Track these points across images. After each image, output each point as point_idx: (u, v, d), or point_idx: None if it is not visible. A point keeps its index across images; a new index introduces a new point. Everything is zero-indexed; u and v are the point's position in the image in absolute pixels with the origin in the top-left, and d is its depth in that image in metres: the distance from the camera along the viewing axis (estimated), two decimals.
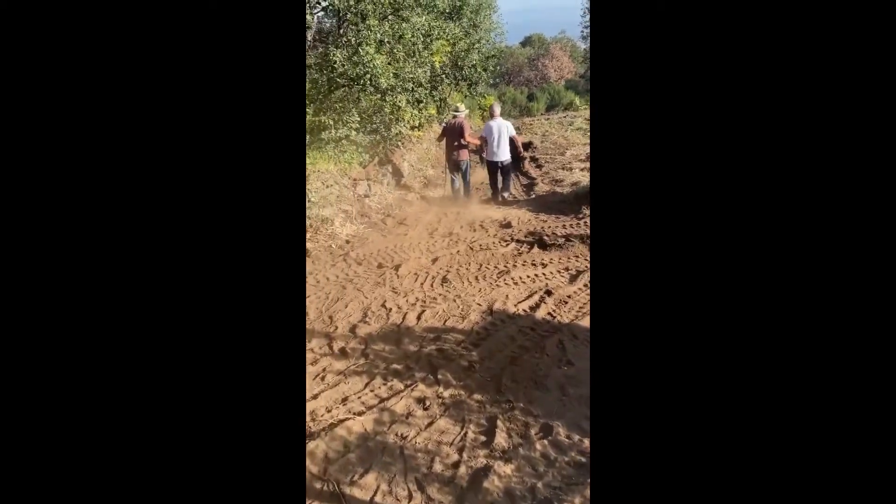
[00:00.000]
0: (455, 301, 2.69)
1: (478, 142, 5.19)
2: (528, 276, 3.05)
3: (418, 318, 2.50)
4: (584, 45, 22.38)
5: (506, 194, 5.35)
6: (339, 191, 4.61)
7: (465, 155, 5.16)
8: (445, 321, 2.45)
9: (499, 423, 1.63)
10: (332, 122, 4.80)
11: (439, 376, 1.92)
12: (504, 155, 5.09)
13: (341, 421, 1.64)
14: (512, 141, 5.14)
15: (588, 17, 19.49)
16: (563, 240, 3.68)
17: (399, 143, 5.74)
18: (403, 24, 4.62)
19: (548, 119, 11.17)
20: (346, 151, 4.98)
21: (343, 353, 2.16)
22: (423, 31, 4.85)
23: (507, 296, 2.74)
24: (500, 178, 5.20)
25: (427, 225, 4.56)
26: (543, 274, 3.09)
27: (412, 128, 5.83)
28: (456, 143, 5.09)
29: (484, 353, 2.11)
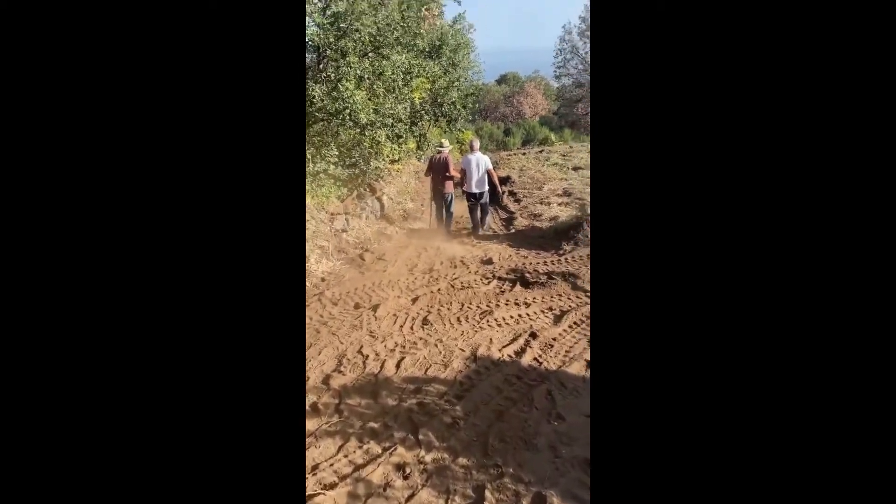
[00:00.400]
0: (436, 346, 2.55)
1: (459, 174, 5.33)
2: (512, 317, 2.95)
3: (397, 366, 2.34)
4: (556, 84, 23.48)
5: (484, 227, 5.41)
6: (316, 226, 4.46)
7: (449, 188, 5.29)
8: (427, 369, 2.30)
9: (487, 493, 1.48)
10: (309, 156, 4.71)
11: (420, 436, 1.75)
12: (481, 187, 5.25)
13: (310, 497, 1.45)
14: (489, 174, 5.30)
15: (560, 58, 20.48)
16: (546, 277, 3.62)
17: (378, 177, 5.69)
18: (384, 62, 4.65)
19: (524, 154, 11.43)
20: (323, 185, 4.88)
21: (314, 410, 1.97)
22: (404, 69, 4.90)
23: (490, 339, 2.61)
24: (478, 210, 5.34)
25: (406, 261, 4.44)
26: (527, 314, 3.00)
27: (391, 162, 5.80)
28: (441, 177, 5.26)
29: (468, 406, 1.96)
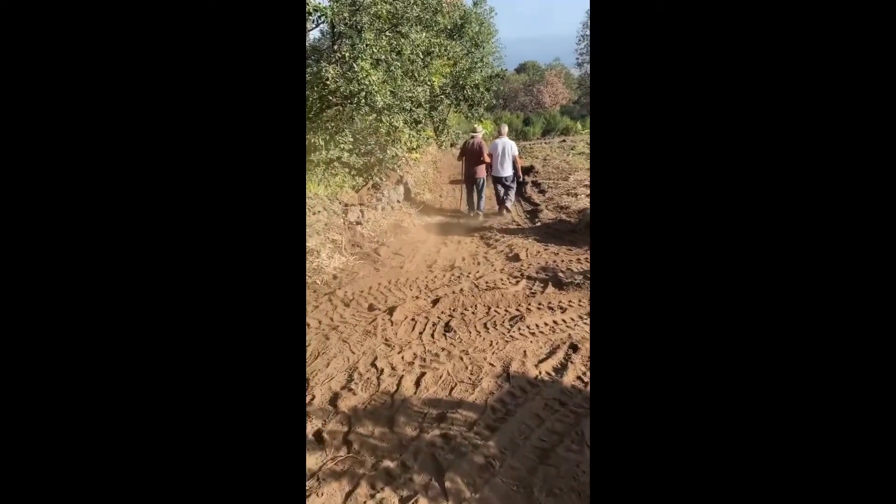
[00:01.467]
0: (462, 359, 2.20)
1: (489, 160, 5.39)
2: (546, 324, 2.58)
3: (417, 383, 2.01)
4: (577, 73, 22.75)
5: (508, 205, 5.45)
6: (328, 217, 4.15)
7: (482, 172, 5.36)
8: (451, 389, 1.96)
9: None
10: (322, 143, 4.39)
11: (447, 483, 1.42)
12: (506, 171, 5.35)
13: None
14: (514, 160, 5.38)
15: (583, 44, 19.71)
16: (581, 278, 3.23)
17: (395, 166, 5.35)
18: (402, 40, 4.28)
19: (548, 143, 10.94)
20: (337, 174, 4.56)
21: (319, 440, 1.65)
22: (423, 49, 4.52)
23: (524, 352, 2.25)
24: (502, 193, 5.44)
25: (425, 256, 4.10)
26: (563, 321, 2.62)
27: (410, 149, 5.45)
28: (475, 162, 5.33)
29: (504, 441, 1.61)
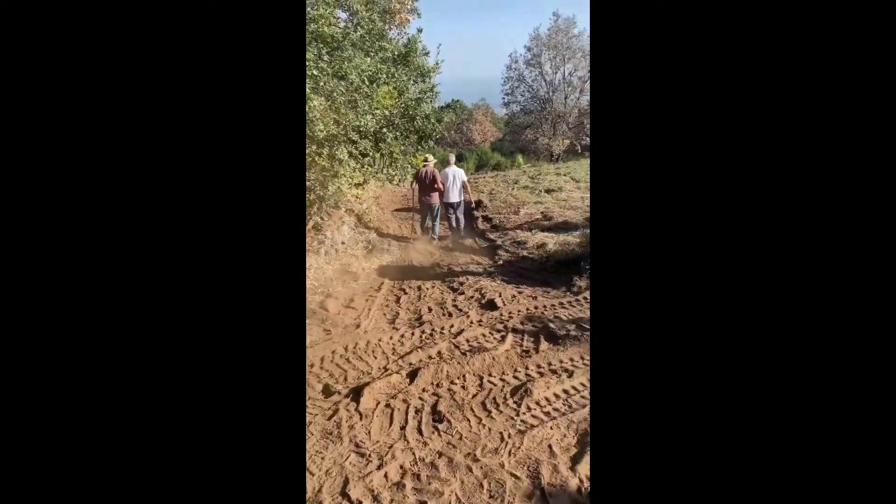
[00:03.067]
0: (471, 470, 1.59)
1: (442, 187, 5.53)
2: (558, 397, 2.07)
3: None
4: (503, 112, 23.94)
5: (461, 232, 5.71)
6: None
7: (435, 199, 5.50)
8: None
9: None
10: None
11: None
12: (456, 197, 5.66)
13: None
14: (464, 186, 5.73)
15: (508, 85, 20.80)
16: (575, 328, 2.80)
17: (338, 204, 4.70)
18: (346, 64, 3.77)
19: (492, 178, 10.92)
20: None
21: None
22: (369, 74, 4.05)
23: (549, 447, 1.70)
24: (454, 219, 5.74)
25: (383, 308, 3.45)
26: (575, 389, 2.13)
27: (356, 185, 4.84)
28: (429, 189, 5.43)
29: None
